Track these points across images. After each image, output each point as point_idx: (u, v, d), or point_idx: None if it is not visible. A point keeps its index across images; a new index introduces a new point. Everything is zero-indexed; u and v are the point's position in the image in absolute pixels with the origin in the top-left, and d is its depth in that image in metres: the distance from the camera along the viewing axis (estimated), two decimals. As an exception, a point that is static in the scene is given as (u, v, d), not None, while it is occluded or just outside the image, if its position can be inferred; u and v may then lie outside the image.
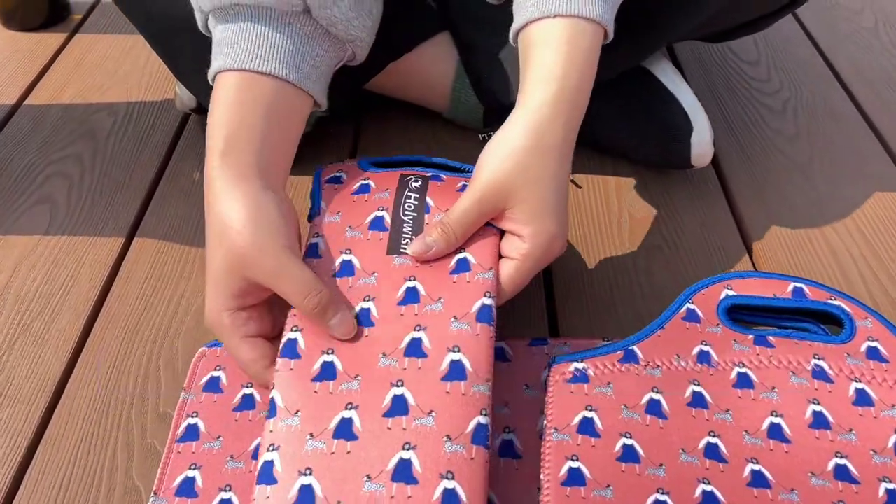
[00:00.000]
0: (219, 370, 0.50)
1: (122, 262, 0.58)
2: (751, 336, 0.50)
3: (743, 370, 0.48)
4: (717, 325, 0.50)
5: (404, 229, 0.47)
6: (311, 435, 0.39)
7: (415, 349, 0.41)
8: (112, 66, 0.80)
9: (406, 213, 0.48)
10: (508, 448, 0.45)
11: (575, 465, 0.42)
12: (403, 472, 0.37)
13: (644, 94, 0.60)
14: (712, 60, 0.80)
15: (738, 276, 0.54)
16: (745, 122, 0.72)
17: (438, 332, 0.42)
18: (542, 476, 0.42)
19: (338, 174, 0.52)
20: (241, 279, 0.42)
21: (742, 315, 0.53)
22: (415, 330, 0.42)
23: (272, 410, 0.40)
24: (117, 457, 0.45)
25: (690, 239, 0.59)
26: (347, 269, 0.45)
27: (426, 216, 0.47)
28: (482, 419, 0.39)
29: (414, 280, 0.44)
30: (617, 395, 0.45)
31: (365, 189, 0.50)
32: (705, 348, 0.49)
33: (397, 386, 0.40)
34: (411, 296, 0.44)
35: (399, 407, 0.39)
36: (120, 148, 0.69)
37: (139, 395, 0.49)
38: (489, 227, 0.47)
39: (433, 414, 0.39)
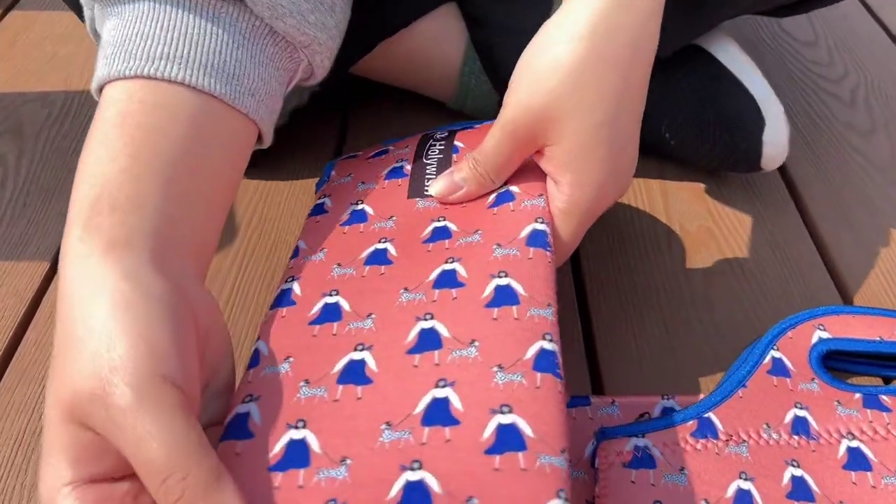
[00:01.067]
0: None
1: (45, 295, 0.46)
2: (858, 395, 0.38)
3: (854, 444, 0.36)
4: (813, 379, 0.39)
5: (428, 171, 0.39)
6: (307, 381, 0.29)
7: (447, 280, 0.32)
8: (50, 49, 0.68)
9: (429, 157, 0.40)
10: (547, 557, 0.33)
11: None
12: (438, 414, 0.27)
13: (703, 80, 0.48)
14: (762, 41, 0.69)
15: (832, 311, 0.42)
16: (810, 114, 0.60)
17: (478, 262, 0.33)
18: None
19: (354, 154, 0.47)
20: (80, 430, 0.25)
21: (832, 361, 0.41)
22: (446, 262, 0.33)
23: (254, 359, 0.31)
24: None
25: (759, 259, 0.48)
26: (358, 217, 0.38)
27: (454, 156, 0.40)
28: (547, 344, 0.29)
29: (443, 220, 0.36)
30: (694, 484, 0.34)
31: (383, 153, 0.44)
32: (801, 413, 0.37)
33: (425, 319, 0.31)
34: (440, 233, 0.36)
35: (429, 341, 0.30)
36: (53, 147, 0.57)
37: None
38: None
39: (476, 343, 0.29)
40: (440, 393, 0.28)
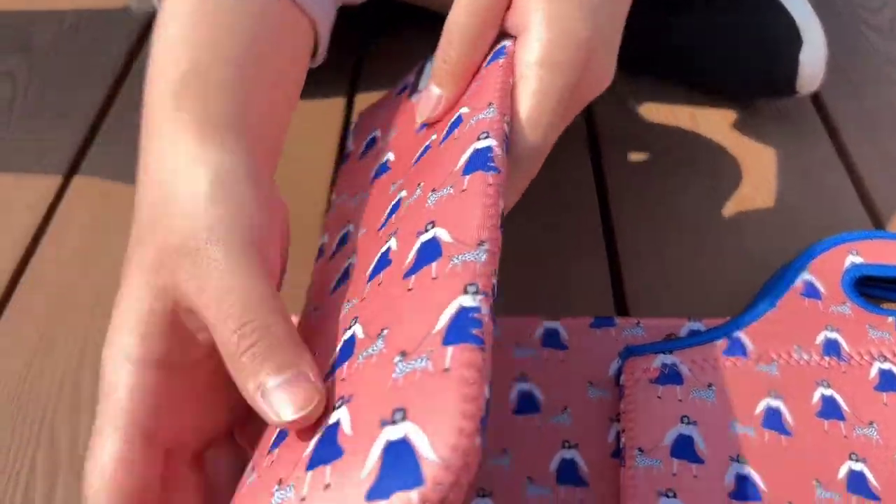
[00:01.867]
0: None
1: (57, 208, 0.45)
2: (891, 319, 0.37)
3: (886, 366, 0.35)
4: (844, 302, 0.38)
5: (421, 83, 0.37)
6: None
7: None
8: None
9: (424, 70, 0.38)
10: (569, 471, 0.33)
11: (672, 503, 0.30)
12: (379, 267, 0.26)
13: (739, -2, 0.46)
14: (796, -30, 0.66)
15: (865, 236, 0.41)
16: (846, 46, 0.58)
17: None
18: (624, 519, 0.30)
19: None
20: (158, 297, 0.24)
21: (866, 288, 0.40)
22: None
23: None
24: (36, 474, 0.33)
25: (791, 188, 0.46)
26: (383, 166, 0.35)
27: None
28: (481, 143, 0.26)
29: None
30: (722, 401, 0.33)
31: (402, 90, 0.41)
32: (832, 335, 0.36)
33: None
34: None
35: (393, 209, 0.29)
36: (63, 64, 0.55)
37: (70, 388, 0.36)
38: (500, 54, 0.31)
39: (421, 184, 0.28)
40: (384, 247, 0.26)
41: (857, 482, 0.31)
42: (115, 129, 0.50)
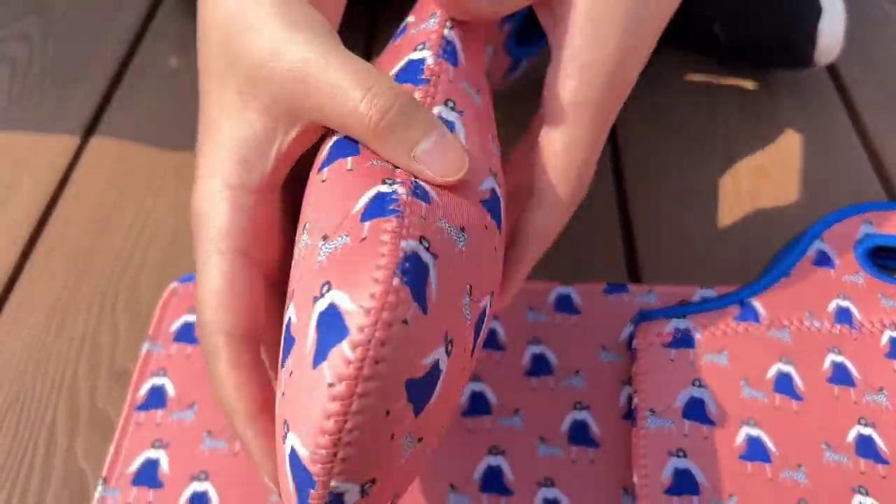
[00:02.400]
0: (196, 313, 0.38)
1: (74, 169, 0.45)
2: (903, 289, 0.37)
3: (897, 335, 0.35)
4: (858, 272, 0.38)
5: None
6: None
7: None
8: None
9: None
10: (581, 432, 0.33)
11: (682, 463, 0.30)
12: None
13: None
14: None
15: (879, 207, 0.41)
16: (863, 17, 0.57)
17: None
18: (635, 478, 0.30)
19: None
20: (256, 117, 0.24)
21: (880, 259, 0.40)
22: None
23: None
24: (57, 429, 0.34)
25: (806, 159, 0.46)
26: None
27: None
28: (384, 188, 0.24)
29: None
30: (734, 365, 0.33)
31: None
32: (844, 303, 0.36)
33: None
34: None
35: None
36: (79, 25, 0.55)
37: (89, 345, 0.37)
38: None
39: None
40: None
41: (865, 446, 0.31)
42: (132, 91, 0.50)
